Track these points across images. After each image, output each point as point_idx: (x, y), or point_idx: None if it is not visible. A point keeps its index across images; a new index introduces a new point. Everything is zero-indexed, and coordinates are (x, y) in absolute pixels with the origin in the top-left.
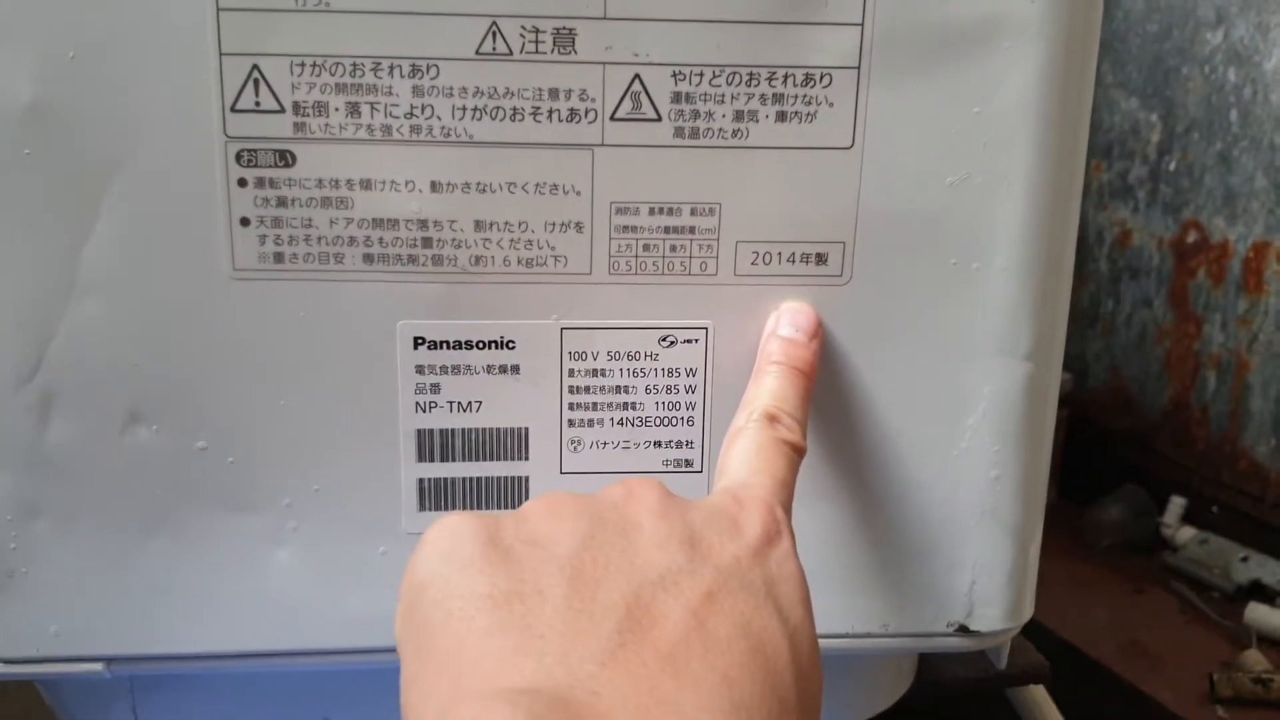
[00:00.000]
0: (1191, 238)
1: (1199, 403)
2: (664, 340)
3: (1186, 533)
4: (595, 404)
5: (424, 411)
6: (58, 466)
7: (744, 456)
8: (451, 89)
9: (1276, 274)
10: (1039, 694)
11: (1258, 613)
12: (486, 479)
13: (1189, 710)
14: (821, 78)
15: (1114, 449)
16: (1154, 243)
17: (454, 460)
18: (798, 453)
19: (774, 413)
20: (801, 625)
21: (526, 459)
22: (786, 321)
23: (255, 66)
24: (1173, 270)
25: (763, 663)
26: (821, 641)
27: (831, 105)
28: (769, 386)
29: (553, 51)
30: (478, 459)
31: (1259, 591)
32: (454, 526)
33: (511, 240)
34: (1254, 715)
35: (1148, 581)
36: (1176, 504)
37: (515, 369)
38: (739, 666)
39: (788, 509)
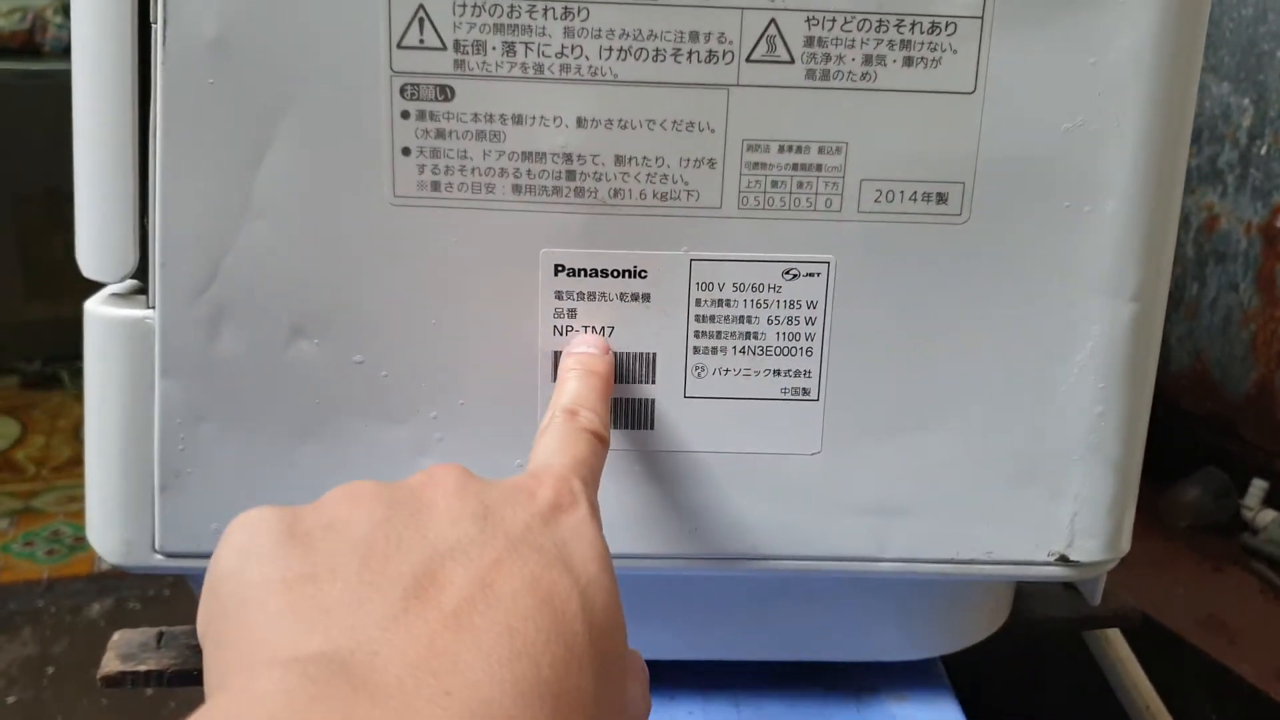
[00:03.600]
0: None
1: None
2: (788, 273)
3: (1267, 515)
4: (719, 333)
5: (560, 335)
6: (225, 375)
7: (546, 446)
8: (599, 30)
9: None
10: (1122, 648)
11: None
12: (615, 400)
13: (1269, 684)
14: (947, 26)
15: (1195, 432)
16: (1242, 227)
17: None
18: (599, 440)
19: (573, 408)
20: (596, 580)
21: (653, 383)
22: (579, 342)
23: (421, 6)
24: (1260, 255)
25: (550, 613)
26: (926, 566)
27: (955, 52)
28: (569, 389)
29: None
30: None
31: None
32: (252, 521)
33: (649, 174)
34: None
35: (1227, 561)
36: (1258, 486)
37: (646, 297)
38: (523, 618)
39: (587, 483)
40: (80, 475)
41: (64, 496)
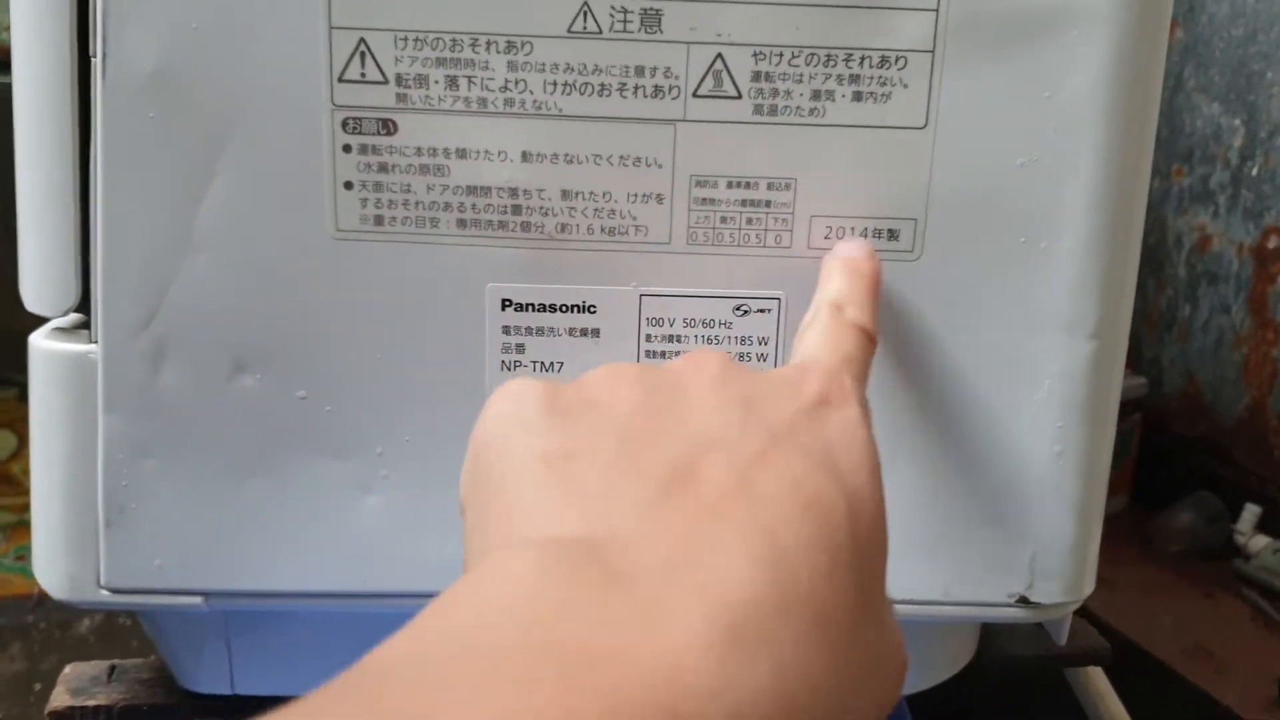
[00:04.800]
0: (1273, 243)
1: (1276, 410)
2: (738, 309)
3: (1260, 541)
4: None
5: (509, 370)
6: (168, 410)
7: (811, 340)
8: (544, 64)
9: None
10: (1101, 683)
11: None
12: None
13: (1255, 715)
14: (897, 60)
15: (1188, 456)
16: (1234, 248)
17: None
18: (867, 337)
19: (840, 302)
20: (862, 489)
21: None
22: (843, 246)
23: (362, 40)
24: (1252, 276)
25: (814, 519)
26: None
27: (906, 86)
28: (834, 284)
29: (640, 30)
30: None
31: None
32: (516, 390)
33: (596, 209)
34: None
35: (1218, 588)
36: (1251, 511)
37: (596, 332)
38: (784, 521)
39: (857, 379)
40: None
41: None
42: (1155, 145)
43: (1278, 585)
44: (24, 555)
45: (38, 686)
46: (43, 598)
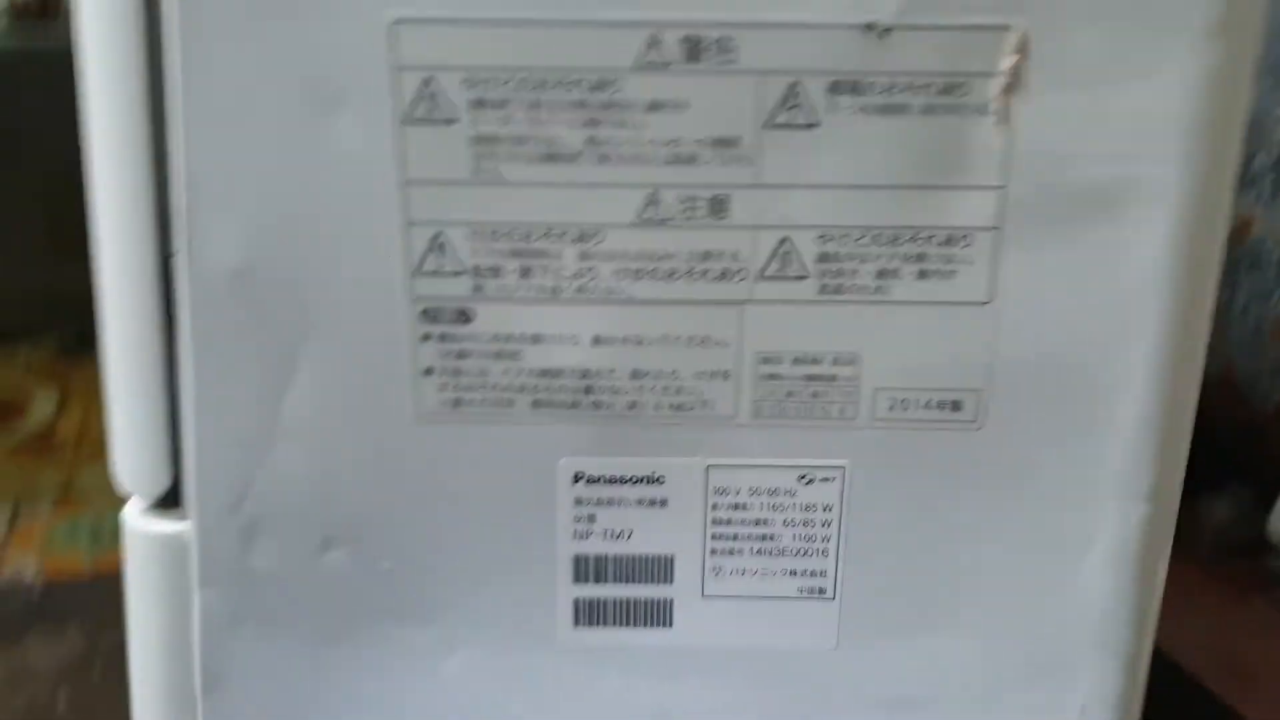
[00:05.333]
0: None
1: None
2: (803, 478)
3: None
4: (736, 535)
5: (581, 539)
6: (260, 583)
7: None
8: (613, 253)
9: None
10: None
11: None
12: (635, 600)
13: None
14: (962, 238)
15: (1221, 443)
16: (1273, 237)
17: (606, 582)
18: None
19: None
20: None
21: (672, 583)
22: None
23: (439, 234)
24: None
25: None
26: None
27: (970, 263)
28: None
29: (708, 217)
30: (628, 581)
31: None
32: None
33: (664, 387)
34: None
35: (1253, 589)
36: None
37: (664, 502)
38: None
39: None
40: None
41: (102, 477)
42: None
43: None
44: (77, 530)
45: (98, 666)
46: (97, 576)
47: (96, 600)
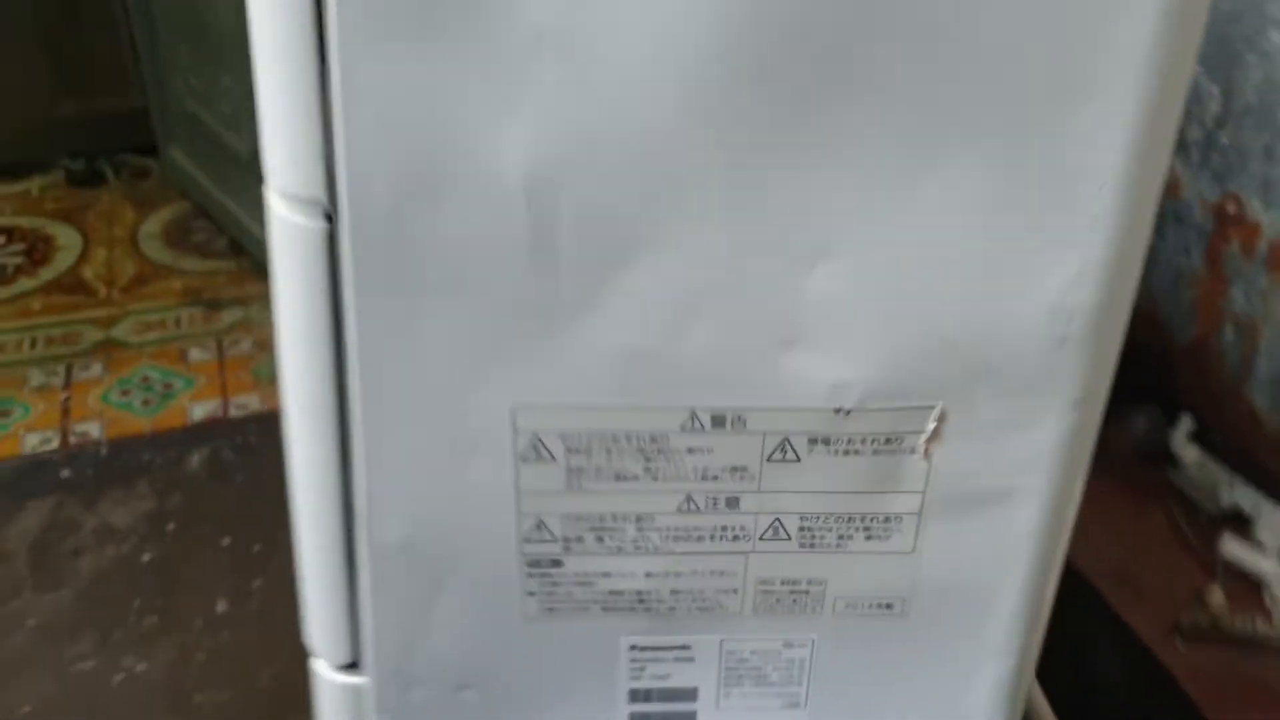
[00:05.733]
0: (1231, 209)
1: (1218, 348)
2: (786, 644)
3: (1191, 452)
4: (740, 676)
5: (635, 679)
6: (416, 714)
7: None
8: (661, 528)
9: None
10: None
11: (1228, 547)
12: (670, 713)
13: (1156, 642)
14: (896, 519)
15: (1143, 364)
16: (1199, 201)
17: (652, 702)
18: None
19: None
20: None
21: (696, 702)
22: None
23: (540, 519)
24: (1211, 232)
25: None
26: None
27: (901, 532)
28: None
29: (725, 509)
30: (667, 702)
31: (1237, 517)
32: None
33: (693, 599)
34: (1207, 648)
35: (1154, 500)
36: (1186, 422)
37: (692, 659)
38: None
39: None
40: (150, 296)
41: (139, 324)
42: None
43: (1196, 498)
44: (128, 390)
45: (170, 526)
46: (155, 435)
47: (159, 460)
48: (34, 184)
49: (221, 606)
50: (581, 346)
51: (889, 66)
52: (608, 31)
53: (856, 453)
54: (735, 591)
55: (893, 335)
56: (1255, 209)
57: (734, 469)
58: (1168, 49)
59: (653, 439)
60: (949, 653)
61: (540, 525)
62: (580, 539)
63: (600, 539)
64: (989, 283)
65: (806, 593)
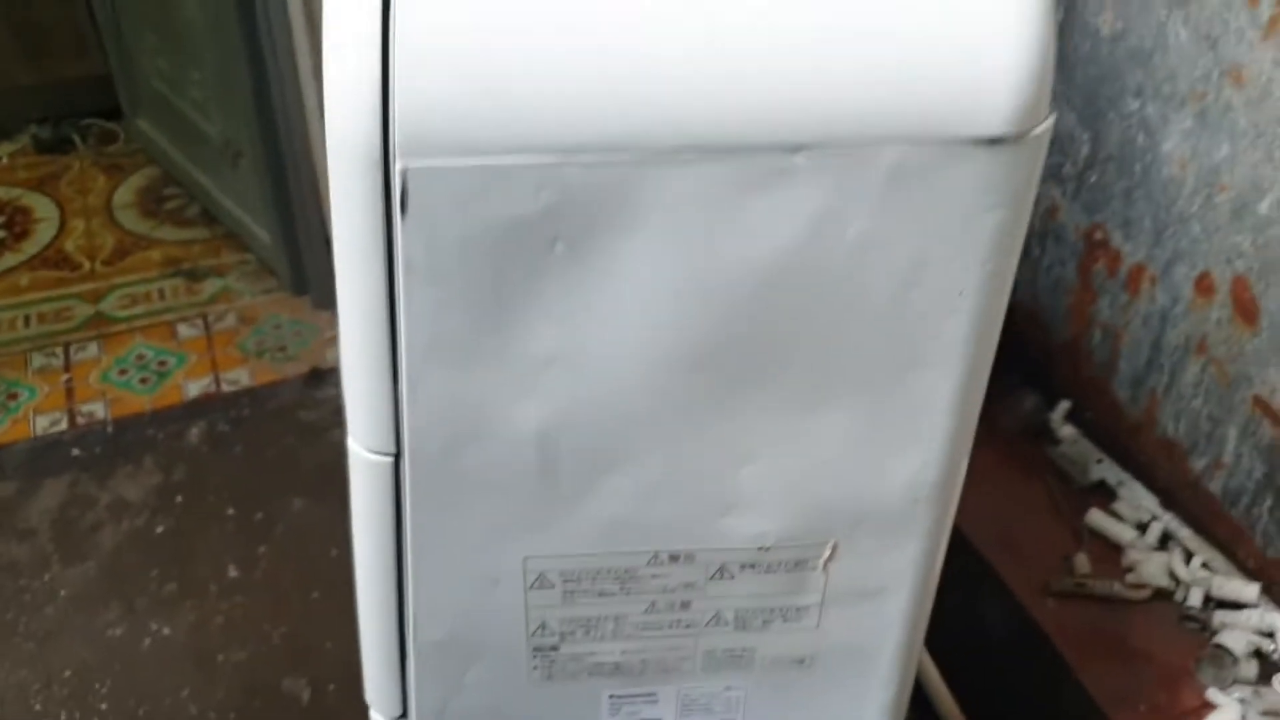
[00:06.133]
0: (1098, 236)
1: (1088, 346)
2: (726, 689)
3: (1068, 431)
4: (693, 706)
5: (614, 716)
6: None
7: None
8: (632, 623)
9: (1145, 290)
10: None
11: (1093, 517)
12: None
13: (1030, 599)
14: (806, 608)
15: (1028, 355)
16: (1073, 226)
17: None
18: None
19: None
20: None
21: None
22: None
23: (543, 622)
24: (1083, 251)
25: None
26: None
27: (810, 614)
28: None
29: (680, 609)
30: None
31: (1104, 487)
32: None
33: (658, 665)
34: (1073, 605)
35: (1036, 473)
36: (1063, 405)
37: (656, 703)
38: None
39: None
40: (132, 268)
41: (125, 297)
42: None
43: (1069, 471)
44: (126, 369)
45: (178, 499)
46: (155, 412)
47: (161, 436)
48: (3, 151)
49: (232, 572)
50: (574, 521)
51: (785, 357)
52: (595, 353)
53: (774, 571)
54: (688, 659)
55: (796, 504)
56: (1117, 239)
57: (686, 585)
58: (978, 337)
59: (626, 570)
60: (847, 689)
61: (543, 626)
62: (572, 633)
63: (587, 632)
64: (861, 473)
65: (740, 656)
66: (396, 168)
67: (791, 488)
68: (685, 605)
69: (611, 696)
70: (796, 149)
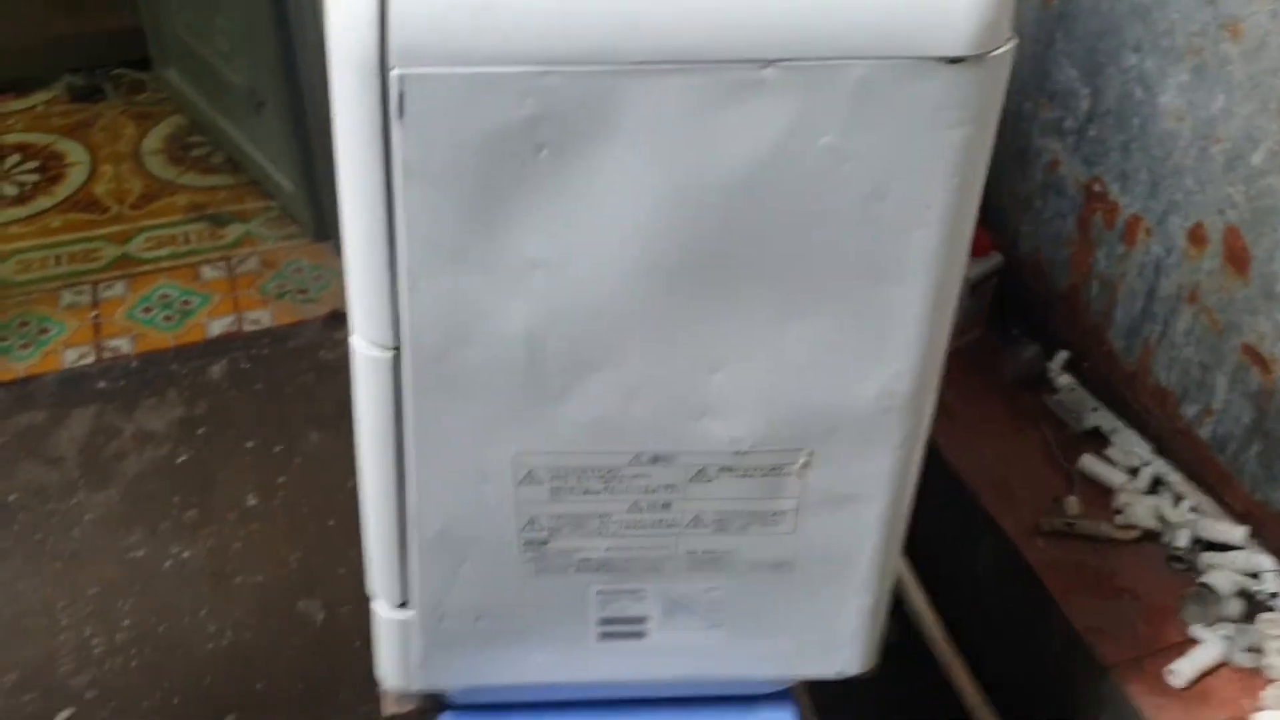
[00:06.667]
0: (1096, 188)
1: (1086, 297)
2: (708, 589)
3: (1065, 379)
4: (675, 604)
5: (603, 609)
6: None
7: None
8: (616, 521)
9: (1141, 241)
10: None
11: (1086, 462)
12: (626, 621)
13: (1021, 538)
14: (781, 513)
15: (1029, 305)
16: (1073, 178)
17: (615, 624)
18: None
19: None
20: None
21: (646, 622)
22: None
23: (532, 518)
24: (1082, 204)
25: None
26: None
27: (786, 518)
28: None
29: (661, 509)
30: (625, 623)
31: (1097, 434)
32: None
33: (640, 562)
34: (1062, 544)
35: (1033, 421)
36: (1061, 355)
37: (642, 596)
38: None
39: None
40: (158, 212)
41: (151, 240)
42: (1032, 83)
43: (1065, 418)
44: (150, 307)
45: (200, 430)
46: (178, 349)
47: (184, 372)
48: (39, 99)
49: (251, 501)
50: (559, 419)
51: (757, 267)
52: (577, 258)
53: (751, 475)
54: (670, 558)
55: (769, 410)
56: (1115, 192)
57: (666, 485)
58: (946, 252)
59: (610, 470)
60: (825, 592)
61: (532, 522)
62: (560, 529)
63: (575, 528)
64: (834, 382)
65: (720, 558)
66: (394, 74)
67: (765, 394)
68: (666, 506)
69: (599, 591)
70: (767, 63)
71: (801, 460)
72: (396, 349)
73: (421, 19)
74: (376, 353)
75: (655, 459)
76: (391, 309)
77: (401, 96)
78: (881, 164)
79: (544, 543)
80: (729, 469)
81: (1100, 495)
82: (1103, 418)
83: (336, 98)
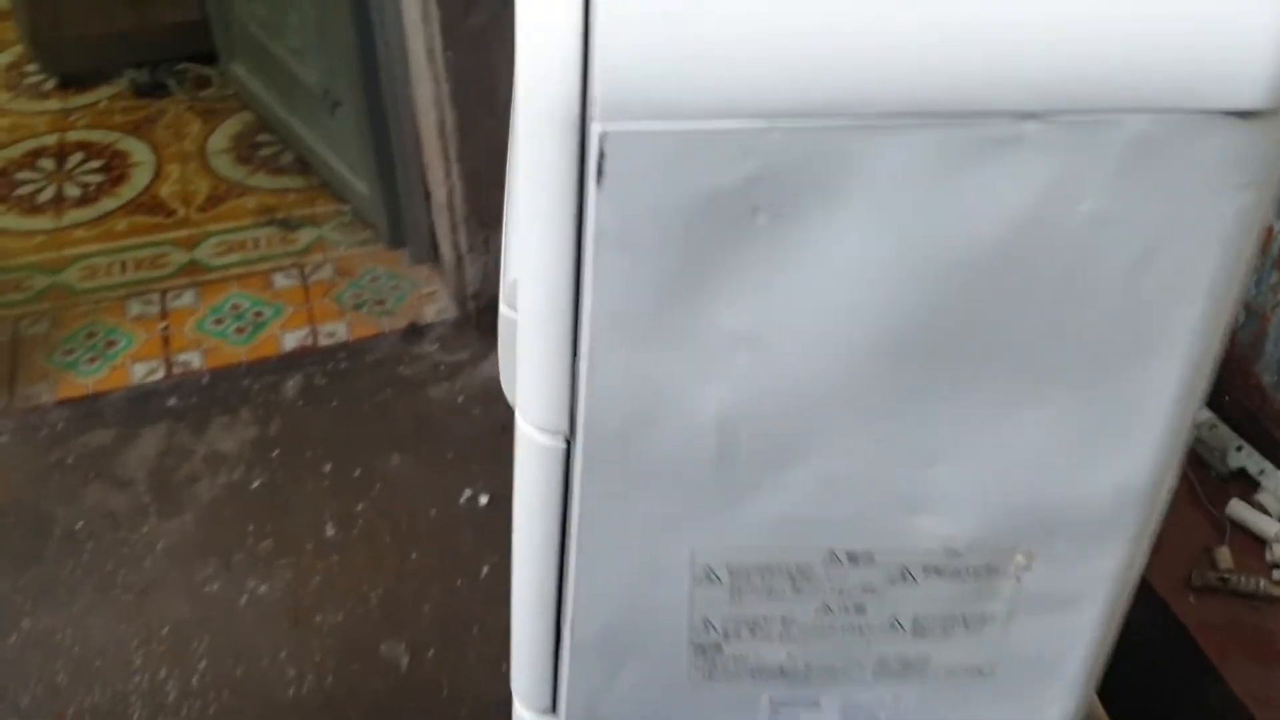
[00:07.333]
0: None
1: (1233, 328)
2: (895, 697)
3: (1204, 414)
4: (858, 714)
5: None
6: None
7: None
8: (801, 625)
9: None
10: None
11: (1235, 508)
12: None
13: (1170, 593)
14: (991, 616)
15: None
16: None
17: None
18: None
19: None
20: None
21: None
22: None
23: (707, 619)
24: None
25: None
26: None
27: (992, 624)
28: None
29: (854, 612)
30: None
31: (1244, 475)
32: None
33: (823, 670)
34: (1216, 601)
35: None
36: None
37: (819, 706)
38: None
39: None
40: (226, 216)
41: (220, 245)
42: None
43: (1207, 458)
44: (221, 319)
45: (275, 453)
46: (250, 364)
47: (257, 388)
48: (102, 95)
49: (329, 530)
50: (748, 513)
51: (995, 346)
52: (788, 334)
53: (961, 576)
54: (858, 665)
55: (990, 506)
56: (1271, 214)
57: (863, 587)
58: (1208, 327)
59: (800, 568)
60: (1024, 700)
61: (706, 624)
62: (737, 633)
63: (753, 632)
64: (1067, 474)
65: (914, 664)
66: (595, 131)
67: (987, 488)
68: (860, 609)
69: (772, 700)
70: (1028, 116)
71: (1019, 560)
72: (569, 437)
73: (630, 67)
74: (546, 440)
75: (853, 558)
76: (569, 392)
77: (602, 156)
78: (1148, 231)
79: (717, 647)
80: (936, 569)
81: (1252, 544)
82: (1249, 458)
83: (524, 155)
